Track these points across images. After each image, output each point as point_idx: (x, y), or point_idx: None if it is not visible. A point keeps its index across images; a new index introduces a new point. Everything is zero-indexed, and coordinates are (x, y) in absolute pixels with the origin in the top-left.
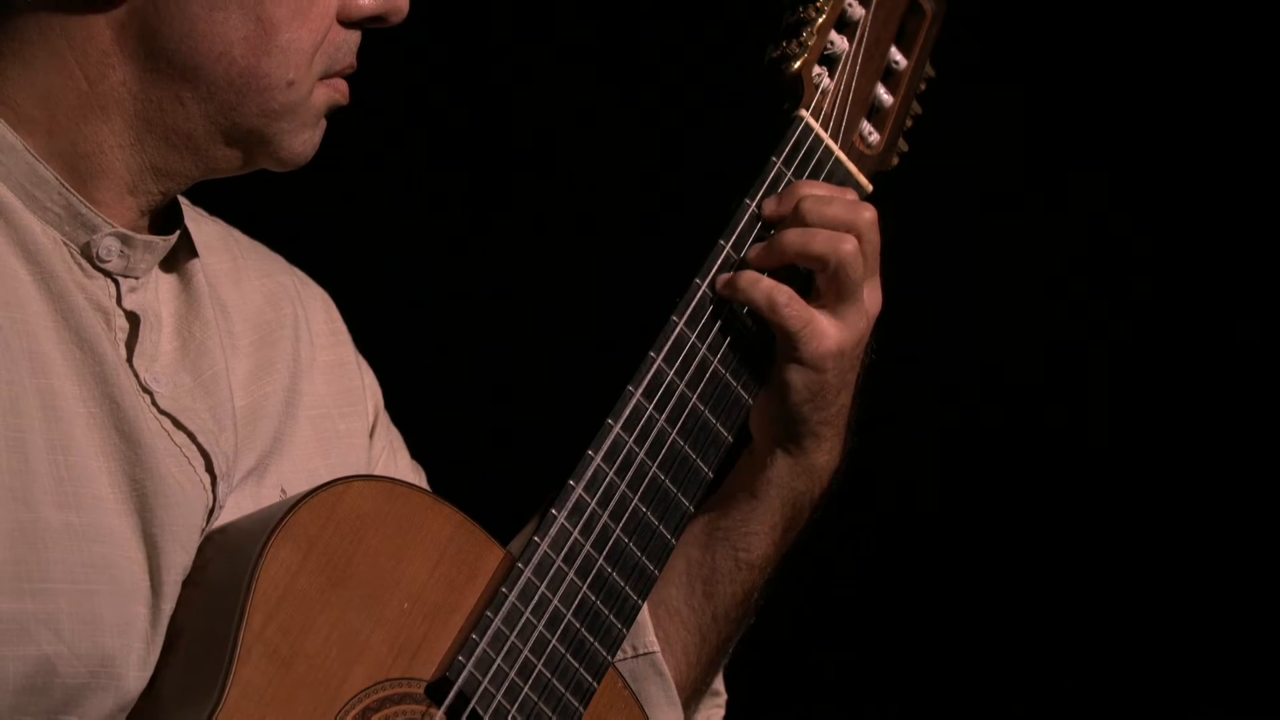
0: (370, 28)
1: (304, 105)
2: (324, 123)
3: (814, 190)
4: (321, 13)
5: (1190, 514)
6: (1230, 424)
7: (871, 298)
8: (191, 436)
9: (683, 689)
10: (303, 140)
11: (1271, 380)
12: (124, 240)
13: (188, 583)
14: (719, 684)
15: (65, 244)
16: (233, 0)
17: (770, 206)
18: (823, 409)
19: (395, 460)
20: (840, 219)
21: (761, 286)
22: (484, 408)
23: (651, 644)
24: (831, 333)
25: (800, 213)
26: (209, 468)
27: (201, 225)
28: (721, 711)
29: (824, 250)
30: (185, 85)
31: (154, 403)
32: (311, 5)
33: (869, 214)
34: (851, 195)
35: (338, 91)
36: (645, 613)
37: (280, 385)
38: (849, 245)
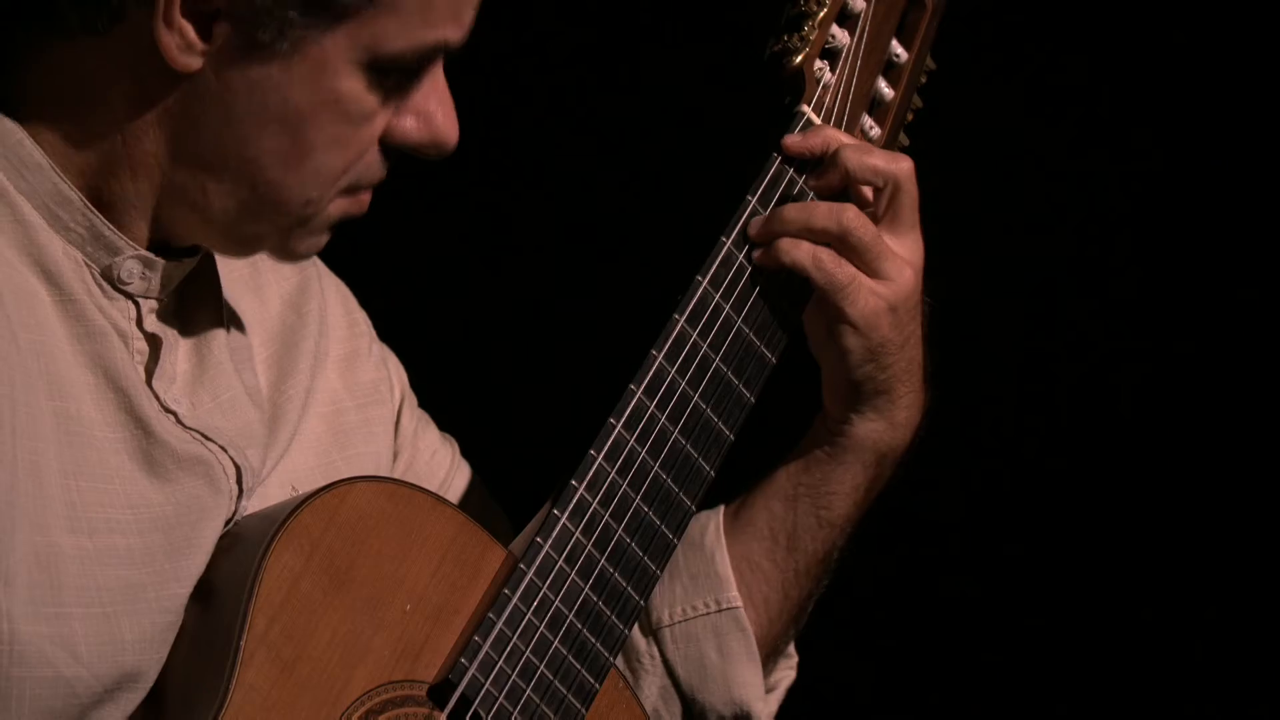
0: (412, 154)
1: (318, 218)
2: (332, 230)
3: (841, 135)
4: (360, 141)
5: (1193, 515)
6: (1232, 423)
7: (914, 250)
8: (223, 448)
9: (763, 644)
10: (307, 245)
11: (1272, 380)
12: (146, 263)
13: None
14: (790, 647)
15: (86, 265)
16: (275, 114)
17: (793, 140)
18: (888, 367)
19: (425, 436)
20: (881, 169)
21: (804, 247)
22: (485, 407)
23: (734, 599)
24: (880, 290)
25: (839, 160)
26: (239, 479)
27: None
28: (793, 674)
29: (827, 223)
30: (210, 176)
31: (179, 421)
32: (353, 135)
33: (906, 164)
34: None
35: (356, 204)
36: (728, 567)
37: (301, 386)
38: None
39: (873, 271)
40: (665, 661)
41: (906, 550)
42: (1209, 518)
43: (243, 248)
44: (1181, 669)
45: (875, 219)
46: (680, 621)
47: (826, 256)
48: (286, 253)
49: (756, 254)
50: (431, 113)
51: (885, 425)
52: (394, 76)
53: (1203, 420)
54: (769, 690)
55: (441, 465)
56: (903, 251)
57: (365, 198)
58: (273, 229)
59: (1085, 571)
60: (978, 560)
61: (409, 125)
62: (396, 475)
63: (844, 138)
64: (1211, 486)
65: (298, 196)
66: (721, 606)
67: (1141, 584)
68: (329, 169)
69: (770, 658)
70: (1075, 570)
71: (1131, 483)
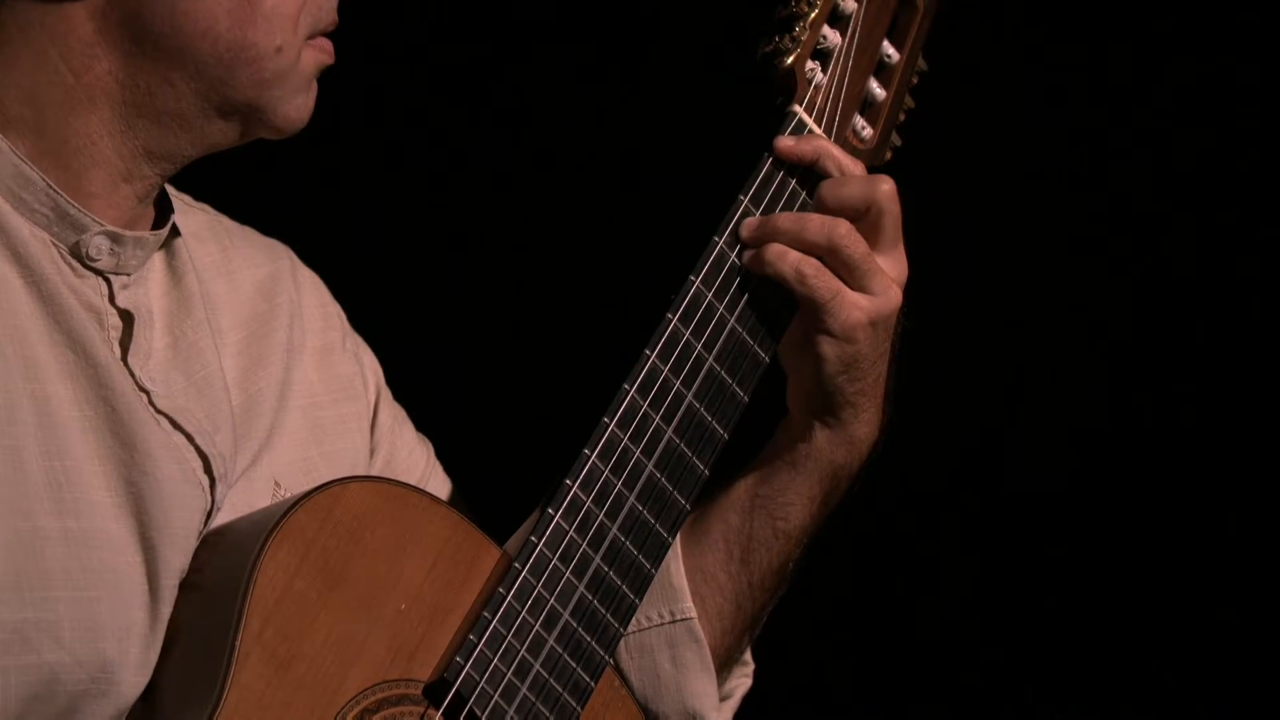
0: None
1: (294, 70)
2: (315, 86)
3: (830, 148)
4: None
5: (1193, 515)
6: (1233, 424)
7: (898, 267)
8: (189, 438)
9: (717, 655)
10: (296, 105)
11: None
12: (114, 238)
13: (185, 585)
14: (747, 654)
15: (54, 244)
16: None
17: (786, 143)
18: (858, 380)
19: (401, 435)
20: (859, 197)
21: (789, 258)
22: (479, 407)
23: (688, 610)
24: (863, 304)
25: (818, 198)
26: (207, 469)
27: (189, 215)
28: (749, 681)
29: (817, 237)
30: (173, 67)
31: (151, 402)
32: None
33: (886, 186)
34: (861, 169)
35: (324, 51)
36: (683, 578)
37: (274, 378)
38: (842, 228)
39: (860, 287)
40: (620, 672)
41: (907, 546)
42: (1198, 520)
43: (235, 127)
44: (1175, 670)
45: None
46: (635, 632)
47: (810, 270)
48: (279, 121)
49: (745, 257)
50: None
51: (845, 437)
52: None
53: (1204, 418)
54: (723, 699)
55: (418, 463)
56: (888, 268)
57: (329, 45)
58: (255, 96)
59: (1076, 573)
60: (976, 558)
61: None
62: (375, 471)
63: (835, 150)
64: (1202, 491)
65: (265, 46)
66: (676, 618)
67: (1136, 585)
68: (283, 11)
69: (725, 666)
70: (1065, 573)
71: (1127, 482)
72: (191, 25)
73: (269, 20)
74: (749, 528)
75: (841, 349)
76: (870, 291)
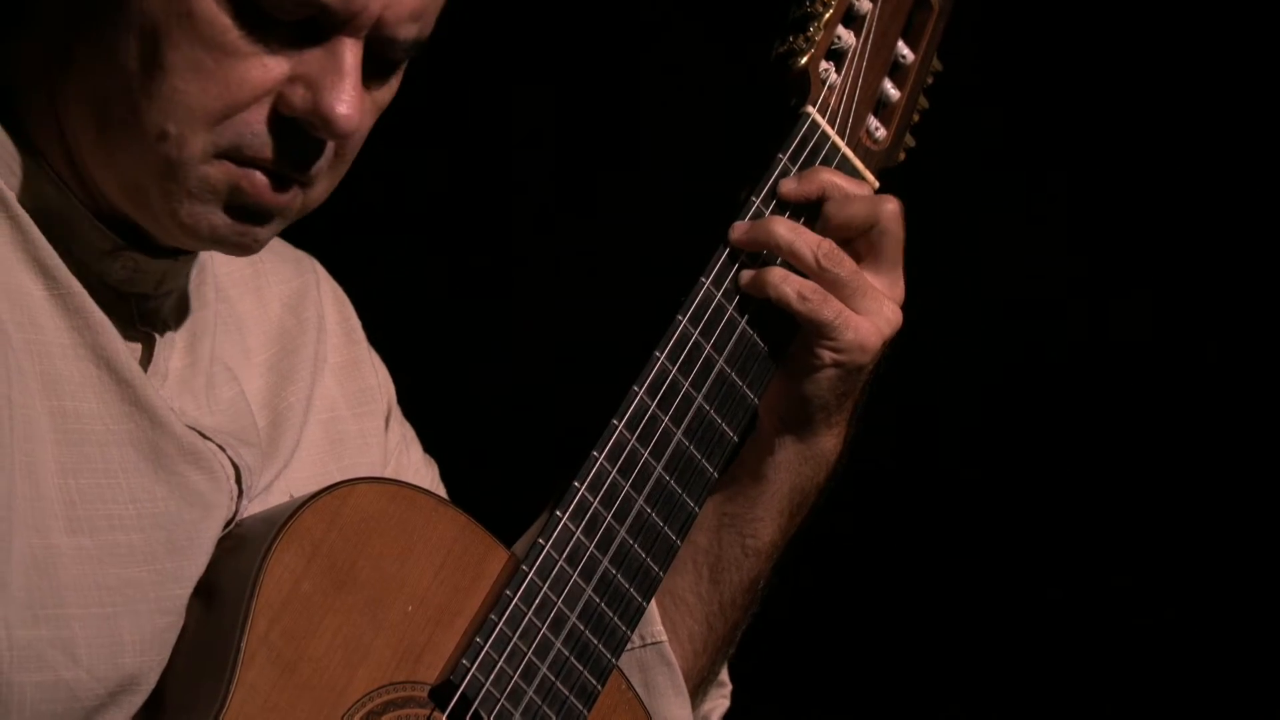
0: (310, 131)
1: (193, 173)
2: (247, 228)
3: (836, 179)
4: (227, 79)
5: (1186, 514)
6: (1229, 425)
7: (894, 286)
8: (220, 448)
9: (690, 678)
10: (190, 212)
11: (1268, 383)
12: (135, 260)
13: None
14: (724, 674)
15: (80, 262)
16: (134, 24)
17: (789, 186)
18: (848, 394)
19: (408, 454)
20: (864, 215)
21: (791, 282)
22: (487, 409)
23: (659, 633)
24: (864, 324)
25: (823, 216)
26: (238, 479)
27: None
28: (727, 702)
29: (806, 255)
30: (94, 118)
31: (178, 417)
32: (215, 68)
33: (891, 206)
34: (868, 190)
35: (247, 180)
36: (652, 601)
37: (301, 394)
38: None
39: (851, 305)
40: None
41: (906, 547)
42: (1203, 518)
43: (136, 206)
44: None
45: (858, 256)
46: None
47: (811, 293)
48: (173, 220)
49: (743, 278)
50: (322, 85)
51: (813, 452)
52: (274, 28)
53: (1199, 419)
54: None
55: (422, 485)
56: (883, 288)
57: (259, 178)
58: (147, 176)
59: (1078, 572)
60: (976, 559)
61: (297, 93)
62: None
63: (839, 178)
64: (1206, 486)
65: (153, 125)
66: (646, 641)
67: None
68: (187, 98)
69: (700, 688)
70: (1068, 570)
71: (1119, 482)
72: (105, 79)
73: (168, 100)
74: (717, 547)
75: (838, 366)
76: (860, 310)
